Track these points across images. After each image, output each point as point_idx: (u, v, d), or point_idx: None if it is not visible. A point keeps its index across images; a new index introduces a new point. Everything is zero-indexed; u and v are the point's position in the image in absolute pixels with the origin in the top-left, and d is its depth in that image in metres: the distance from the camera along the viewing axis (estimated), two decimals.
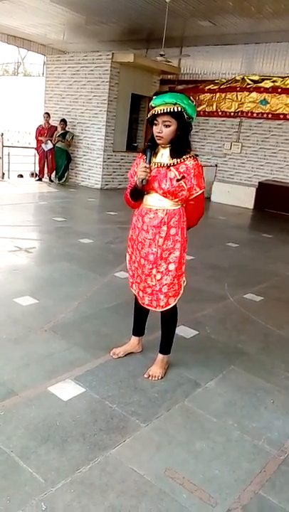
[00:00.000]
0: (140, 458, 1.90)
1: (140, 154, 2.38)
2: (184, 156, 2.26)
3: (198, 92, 10.24)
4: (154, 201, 2.34)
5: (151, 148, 2.29)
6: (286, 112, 9.17)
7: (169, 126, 2.20)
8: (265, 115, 9.44)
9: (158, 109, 2.18)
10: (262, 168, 9.74)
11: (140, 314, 2.70)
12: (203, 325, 3.30)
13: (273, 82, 9.21)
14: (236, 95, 9.74)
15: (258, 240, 6.75)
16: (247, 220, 8.56)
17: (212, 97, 10.13)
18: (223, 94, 10.02)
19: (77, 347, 2.80)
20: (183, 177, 2.24)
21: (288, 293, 4.32)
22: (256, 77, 9.46)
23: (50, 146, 10.01)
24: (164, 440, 2.03)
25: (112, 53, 9.40)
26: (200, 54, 10.35)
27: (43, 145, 10.08)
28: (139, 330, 2.76)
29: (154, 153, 2.32)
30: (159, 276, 2.41)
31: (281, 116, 9.27)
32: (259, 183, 9.46)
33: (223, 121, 10.12)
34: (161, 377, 2.52)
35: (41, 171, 10.43)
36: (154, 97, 2.22)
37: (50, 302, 3.45)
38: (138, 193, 2.37)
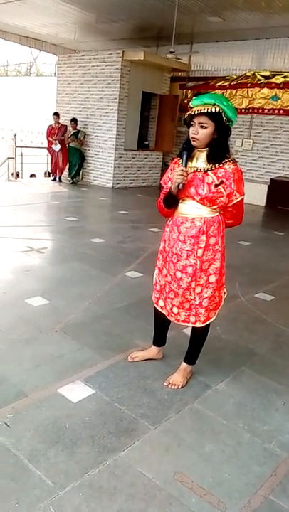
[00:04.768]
0: (149, 461, 1.90)
1: (175, 159, 2.28)
2: (223, 161, 2.15)
3: (209, 88, 10.15)
4: (191, 209, 2.23)
5: (188, 150, 2.18)
6: None
7: (206, 127, 2.10)
8: (276, 111, 9.32)
9: (195, 109, 2.09)
10: (274, 165, 9.63)
11: (162, 326, 2.60)
12: (214, 325, 3.26)
13: (284, 77, 9.07)
14: (247, 91, 9.64)
15: (270, 237, 6.68)
16: (259, 217, 8.47)
17: (223, 93, 10.00)
18: (233, 91, 9.92)
19: (88, 348, 2.80)
20: (222, 182, 2.13)
21: None
22: (267, 73, 9.34)
23: (59, 146, 10.03)
24: (173, 443, 2.02)
25: (123, 51, 9.38)
26: (210, 50, 10.26)
27: (52, 146, 10.13)
28: (160, 341, 2.68)
29: (190, 157, 2.22)
30: (198, 290, 2.30)
31: None
32: (271, 179, 9.36)
33: None
34: (182, 387, 2.44)
35: (54, 170, 10.49)
36: (193, 98, 2.15)
37: (61, 302, 3.46)
38: (173, 200, 2.25)
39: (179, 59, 9.13)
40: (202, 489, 1.77)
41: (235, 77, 9.87)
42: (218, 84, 10.15)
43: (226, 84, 10.02)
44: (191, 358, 2.52)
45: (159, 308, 2.51)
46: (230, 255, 5.32)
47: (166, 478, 1.81)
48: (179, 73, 10.68)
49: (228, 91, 9.96)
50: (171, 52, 8.50)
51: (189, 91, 10.69)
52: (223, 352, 2.93)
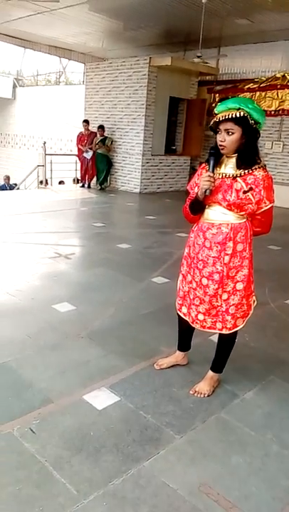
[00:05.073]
0: (174, 471, 1.86)
1: (202, 164, 2.25)
2: (253, 167, 2.09)
3: (238, 91, 10.04)
4: (217, 215, 2.18)
5: (215, 156, 2.14)
6: None
7: (233, 133, 2.04)
8: None
9: (220, 116, 2.04)
10: None
11: (186, 332, 2.57)
12: (242, 332, 3.18)
13: None
14: (277, 93, 9.46)
15: None
16: None
17: (252, 96, 9.88)
18: (263, 93, 9.77)
19: (113, 354, 2.79)
20: (251, 188, 2.07)
21: None
22: None
23: (90, 153, 10.20)
24: (198, 453, 1.98)
25: (150, 57, 9.42)
26: (238, 53, 10.16)
27: (84, 154, 10.27)
28: (185, 346, 2.65)
29: (218, 163, 2.17)
30: (225, 296, 2.25)
31: None
32: None
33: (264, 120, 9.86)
34: (208, 395, 2.39)
35: (83, 177, 10.65)
36: (217, 104, 2.10)
37: (87, 308, 3.48)
38: (199, 206, 2.22)
39: (206, 63, 9.08)
40: (228, 502, 1.72)
41: (265, 79, 9.73)
42: (246, 86, 10.03)
43: (254, 86, 9.88)
44: (217, 366, 2.47)
45: (181, 315, 2.48)
46: (260, 260, 5.22)
47: (191, 489, 1.77)
48: (207, 77, 10.63)
49: (257, 93, 9.82)
50: (199, 57, 8.47)
51: (217, 95, 10.61)
52: (252, 360, 2.86)
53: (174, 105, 10.42)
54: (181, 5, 7.66)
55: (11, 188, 12.91)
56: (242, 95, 9.86)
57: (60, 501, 1.67)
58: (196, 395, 2.40)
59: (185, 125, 10.81)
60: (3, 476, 1.77)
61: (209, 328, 2.36)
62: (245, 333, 3.19)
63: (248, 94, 9.86)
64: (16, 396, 2.30)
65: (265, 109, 9.72)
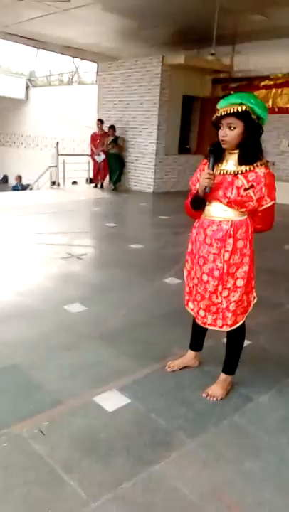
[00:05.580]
0: (185, 475, 1.82)
1: (204, 160, 2.23)
2: (254, 164, 2.06)
3: (253, 88, 9.91)
4: (217, 212, 2.17)
5: (215, 153, 2.13)
6: None
7: (234, 128, 2.03)
8: None
9: (222, 111, 2.04)
10: None
11: (199, 330, 2.55)
12: (257, 334, 3.14)
13: None
14: None
15: None
16: None
17: (267, 93, 9.78)
18: (279, 90, 9.64)
19: (125, 356, 2.76)
20: (252, 186, 2.05)
21: None
22: None
23: (102, 157, 10.21)
24: (211, 457, 1.94)
25: (163, 56, 9.38)
26: (253, 50, 10.02)
27: (95, 157, 10.29)
28: (196, 346, 2.63)
29: (220, 159, 2.16)
30: (226, 293, 2.23)
31: None
32: None
33: (280, 117, 9.72)
34: (221, 399, 2.35)
35: (95, 177, 10.66)
36: (220, 100, 2.09)
37: (99, 309, 3.46)
38: (200, 202, 2.22)
39: (220, 60, 8.99)
40: (241, 508, 1.68)
41: (281, 75, 9.60)
42: (262, 83, 9.91)
43: (270, 83, 9.77)
44: (228, 367, 2.42)
45: (189, 311, 2.48)
46: (275, 261, 5.17)
47: (203, 494, 1.73)
48: (221, 75, 10.53)
49: (273, 90, 9.70)
50: (212, 54, 8.39)
51: (232, 92, 10.50)
52: (267, 363, 2.80)
53: (187, 104, 10.36)
54: (194, 2, 7.59)
55: (24, 188, 13.01)
56: (257, 92, 9.76)
57: (69, 504, 1.65)
58: (208, 398, 2.35)
59: (199, 124, 10.74)
60: (12, 478, 1.76)
61: (210, 325, 2.34)
62: (260, 334, 3.14)
63: (263, 91, 9.75)
64: (25, 397, 2.28)
65: (281, 106, 9.63)
